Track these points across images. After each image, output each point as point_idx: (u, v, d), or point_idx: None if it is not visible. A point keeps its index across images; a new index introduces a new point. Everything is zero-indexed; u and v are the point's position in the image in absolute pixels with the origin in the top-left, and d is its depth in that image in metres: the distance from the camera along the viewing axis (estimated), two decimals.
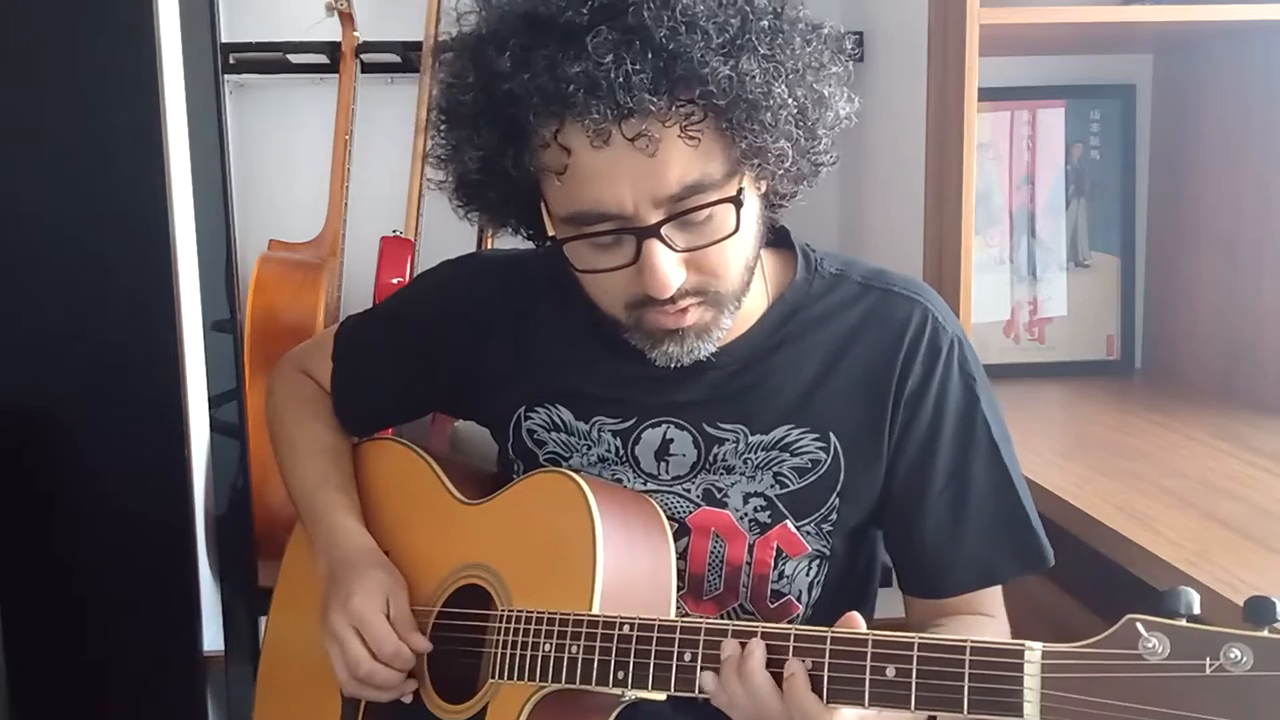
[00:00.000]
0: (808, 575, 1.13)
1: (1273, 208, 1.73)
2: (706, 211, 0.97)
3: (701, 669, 0.93)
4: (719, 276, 1.01)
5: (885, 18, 2.13)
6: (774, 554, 1.11)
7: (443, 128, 1.04)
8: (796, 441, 1.10)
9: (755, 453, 1.10)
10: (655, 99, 0.91)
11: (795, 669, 0.88)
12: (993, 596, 1.12)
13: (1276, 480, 1.37)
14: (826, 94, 1.00)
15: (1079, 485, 1.35)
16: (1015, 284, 2.01)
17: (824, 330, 1.11)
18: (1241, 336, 1.80)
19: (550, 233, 1.02)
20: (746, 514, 1.11)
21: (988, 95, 1.84)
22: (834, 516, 1.11)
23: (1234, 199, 1.81)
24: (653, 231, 0.96)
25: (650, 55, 0.90)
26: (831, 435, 1.09)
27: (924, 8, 1.81)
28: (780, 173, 1.00)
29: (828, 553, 1.12)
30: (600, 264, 1.00)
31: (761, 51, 0.94)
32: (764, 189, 1.05)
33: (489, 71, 0.96)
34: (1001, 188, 2.00)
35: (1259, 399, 1.74)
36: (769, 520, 1.11)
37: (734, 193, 0.97)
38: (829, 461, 1.09)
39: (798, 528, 1.11)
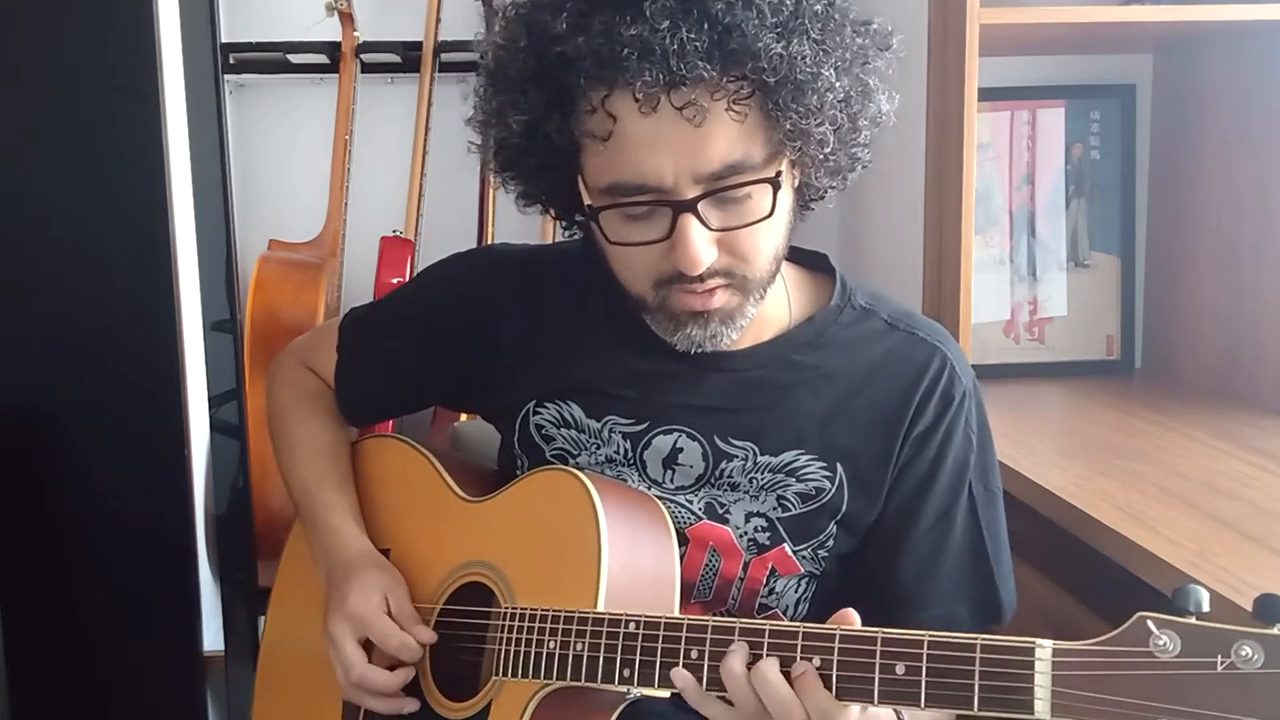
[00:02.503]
0: (796, 592, 1.13)
1: (1273, 208, 1.73)
2: (744, 191, 0.97)
3: (707, 677, 0.92)
4: (748, 261, 1.01)
5: (885, 18, 2.13)
6: (767, 572, 1.11)
7: (487, 91, 1.04)
8: (804, 468, 1.10)
9: (762, 473, 1.10)
10: (708, 67, 0.91)
11: (804, 668, 0.88)
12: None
13: (1276, 480, 1.37)
14: (872, 85, 1.01)
15: (1079, 485, 1.35)
16: (1015, 284, 2.01)
17: (845, 360, 1.11)
18: (1241, 336, 1.80)
19: (587, 201, 1.02)
20: (747, 533, 1.11)
21: (988, 95, 1.84)
22: (830, 543, 1.11)
23: (1234, 199, 1.81)
24: (689, 206, 0.96)
25: (706, 26, 0.91)
26: (839, 466, 1.10)
27: (924, 8, 1.81)
28: (820, 158, 1.01)
29: (818, 573, 1.13)
30: (633, 237, 1.00)
31: (813, 35, 0.95)
32: (798, 182, 1.05)
33: (543, 35, 0.97)
34: (1001, 188, 2.00)
35: (1259, 399, 1.74)
36: (768, 542, 1.11)
37: (773, 175, 0.98)
38: (833, 491, 1.10)
39: (794, 551, 1.11)
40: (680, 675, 0.92)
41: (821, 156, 1.01)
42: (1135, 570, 1.17)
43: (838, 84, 0.97)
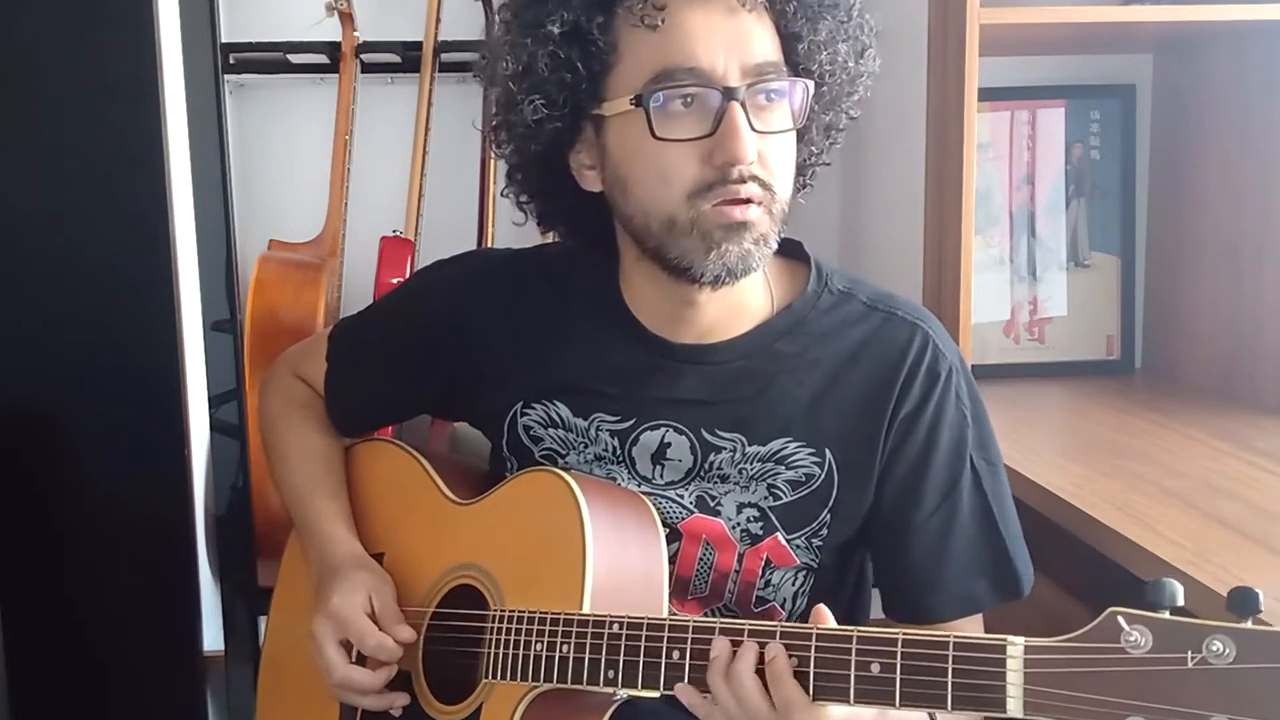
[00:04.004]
0: (793, 585, 1.13)
1: (1273, 207, 1.73)
2: (775, 91, 1.02)
3: (689, 677, 0.93)
4: (776, 178, 1.03)
5: (885, 17, 2.13)
6: (762, 563, 1.11)
7: (517, 15, 1.06)
8: (793, 455, 1.10)
9: (751, 463, 1.10)
10: None
11: (775, 651, 0.89)
12: (974, 625, 1.12)
13: (1276, 480, 1.37)
14: (871, 28, 1.09)
15: (1079, 485, 1.35)
16: (1015, 284, 2.01)
17: (827, 346, 1.11)
18: (1241, 336, 1.80)
19: (628, 99, 1.01)
20: (739, 524, 1.11)
21: (988, 95, 1.84)
22: (824, 532, 1.11)
23: (1234, 199, 1.81)
24: (737, 94, 0.99)
25: None
26: (827, 451, 1.10)
27: (924, 8, 1.81)
28: (836, 87, 1.07)
29: (815, 565, 1.13)
30: (676, 133, 1.00)
31: None
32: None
33: None
34: (1001, 188, 2.00)
35: (1259, 399, 1.74)
36: (761, 532, 1.11)
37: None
38: (823, 477, 1.10)
39: (788, 540, 1.11)
40: (685, 690, 0.93)
41: (836, 87, 1.07)
42: (1135, 570, 1.17)
43: (854, 9, 1.06)
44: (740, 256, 1.02)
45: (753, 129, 0.99)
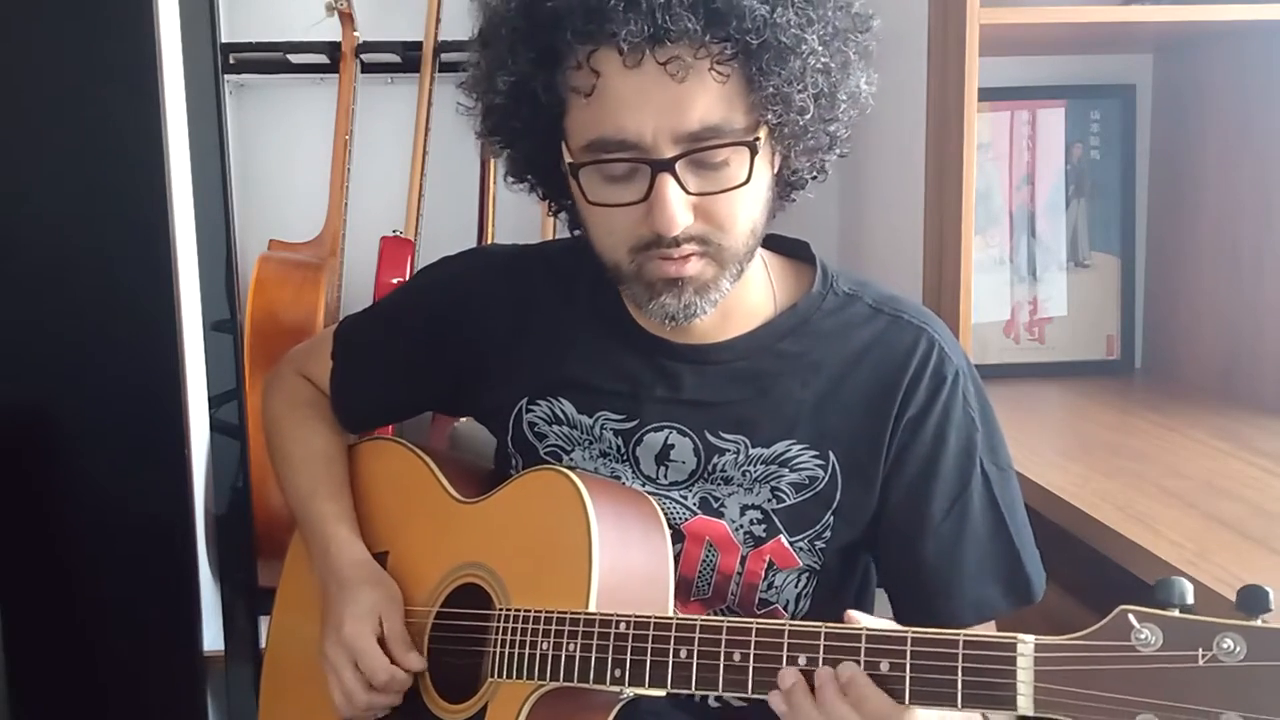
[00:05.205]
0: (796, 587, 1.13)
1: (1273, 207, 1.73)
2: (721, 156, 0.98)
3: (696, 676, 0.92)
4: (724, 230, 1.01)
5: (885, 18, 2.13)
6: (765, 565, 1.11)
7: (479, 53, 1.05)
8: (796, 457, 1.09)
9: (754, 465, 1.10)
10: (692, 19, 0.93)
11: (851, 670, 0.86)
12: (987, 631, 1.12)
13: (1276, 480, 1.37)
14: (852, 58, 1.03)
15: (1079, 485, 1.35)
16: (1015, 284, 2.01)
17: (831, 347, 1.11)
18: (1241, 336, 1.80)
19: (568, 159, 1.02)
20: (742, 526, 1.11)
21: (988, 95, 1.84)
22: (827, 534, 1.11)
23: (1234, 199, 1.81)
24: (668, 165, 0.97)
25: None
26: (831, 453, 1.09)
27: (924, 8, 1.81)
28: (799, 129, 1.01)
29: (818, 568, 1.12)
30: (612, 198, 1.00)
31: (797, 3, 0.97)
32: (778, 164, 1.05)
33: None
34: (1001, 188, 2.00)
35: (1259, 399, 1.74)
36: (764, 534, 1.10)
37: (750, 140, 0.99)
38: (826, 479, 1.09)
39: (791, 543, 1.11)
40: (787, 675, 0.89)
41: (800, 126, 1.01)
42: (1136, 570, 1.17)
43: (820, 50, 0.98)
44: (680, 307, 1.03)
45: (688, 192, 0.98)
